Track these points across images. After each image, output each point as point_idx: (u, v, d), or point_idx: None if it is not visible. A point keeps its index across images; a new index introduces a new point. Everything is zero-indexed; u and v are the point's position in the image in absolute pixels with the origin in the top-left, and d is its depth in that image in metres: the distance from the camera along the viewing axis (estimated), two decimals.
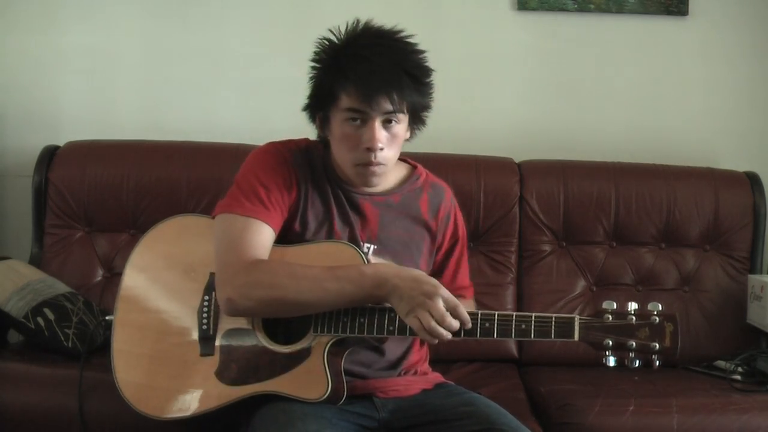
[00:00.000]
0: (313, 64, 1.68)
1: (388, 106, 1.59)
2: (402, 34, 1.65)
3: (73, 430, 1.87)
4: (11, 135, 2.74)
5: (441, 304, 1.51)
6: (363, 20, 1.65)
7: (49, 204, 2.49)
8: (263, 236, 1.64)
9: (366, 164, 1.64)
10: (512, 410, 1.68)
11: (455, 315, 1.52)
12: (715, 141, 2.78)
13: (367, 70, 1.57)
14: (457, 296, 1.80)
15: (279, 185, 1.68)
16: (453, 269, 1.84)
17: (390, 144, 1.64)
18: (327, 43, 1.66)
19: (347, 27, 1.65)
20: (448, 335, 1.52)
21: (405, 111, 1.62)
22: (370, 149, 1.61)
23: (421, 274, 1.57)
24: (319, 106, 1.67)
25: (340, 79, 1.59)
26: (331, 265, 1.59)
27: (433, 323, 1.50)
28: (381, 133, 1.61)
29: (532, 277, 2.50)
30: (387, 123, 1.62)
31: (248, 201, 1.65)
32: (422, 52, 1.65)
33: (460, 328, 1.54)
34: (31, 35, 2.73)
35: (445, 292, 1.53)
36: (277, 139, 1.78)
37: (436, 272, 1.82)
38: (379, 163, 1.64)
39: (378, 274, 1.56)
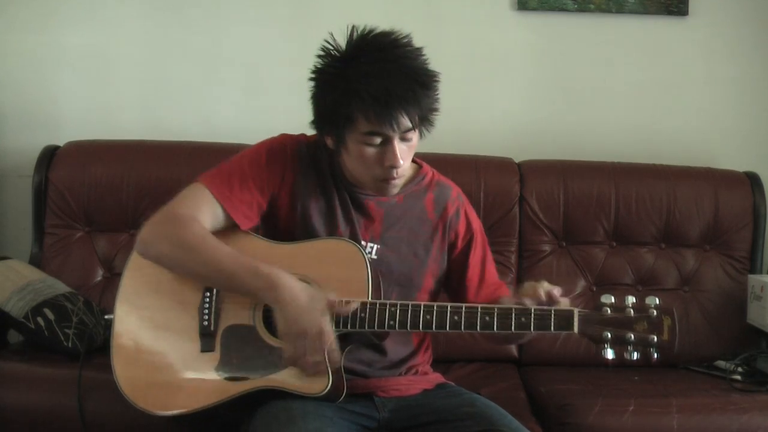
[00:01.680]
0: (315, 80, 1.64)
1: (408, 124, 1.58)
2: (402, 38, 1.62)
3: (73, 430, 1.87)
4: (11, 135, 2.74)
5: (319, 341, 1.53)
6: (358, 28, 1.61)
7: (49, 204, 2.49)
8: (213, 214, 1.66)
9: (388, 179, 1.64)
10: (512, 410, 1.68)
11: (329, 352, 1.54)
12: (715, 141, 2.78)
13: (383, 89, 1.54)
14: (498, 297, 1.76)
15: (258, 184, 1.69)
16: (479, 268, 1.81)
17: (408, 155, 1.65)
18: (328, 58, 1.62)
19: (346, 39, 1.61)
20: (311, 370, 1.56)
21: (419, 122, 1.62)
22: (393, 167, 1.61)
23: (317, 299, 1.56)
24: (332, 127, 1.63)
25: (356, 101, 1.56)
26: (252, 257, 1.61)
27: (308, 354, 1.54)
28: (401, 150, 1.61)
29: (532, 277, 2.49)
30: (405, 135, 1.61)
31: (221, 182, 1.68)
32: (423, 54, 1.63)
33: (448, 321, 1.56)
34: (31, 35, 2.74)
35: (328, 330, 1.54)
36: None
37: (459, 271, 1.80)
38: (400, 176, 1.66)
39: (272, 278, 1.57)
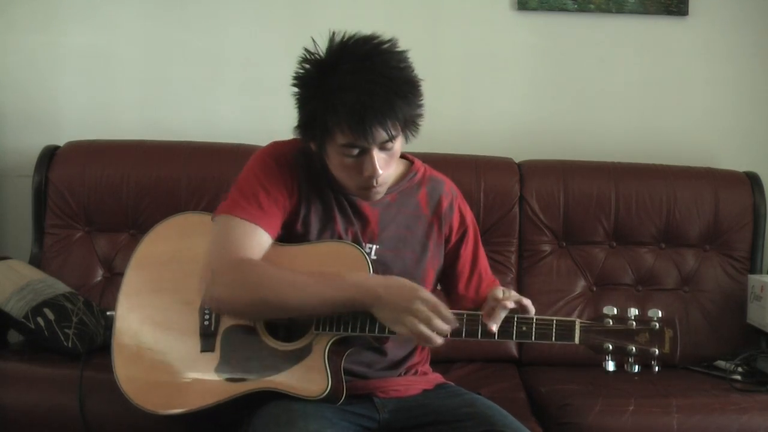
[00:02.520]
0: (296, 87, 1.62)
1: (384, 136, 1.56)
2: (383, 44, 1.58)
3: (74, 430, 1.87)
4: (11, 135, 2.74)
5: (423, 306, 1.51)
6: (339, 33, 1.59)
7: (49, 204, 2.49)
8: (257, 240, 1.64)
9: (368, 187, 1.64)
10: (512, 410, 1.68)
11: (437, 314, 1.52)
12: (715, 141, 2.78)
13: (359, 103, 1.51)
14: (486, 295, 1.75)
15: (279, 188, 1.67)
16: (470, 262, 1.81)
17: (389, 163, 1.63)
18: (307, 65, 1.60)
19: (327, 45, 1.59)
20: (438, 339, 1.52)
21: (400, 130, 1.60)
22: (372, 177, 1.60)
23: (402, 280, 1.57)
24: (312, 135, 1.62)
25: (331, 114, 1.54)
26: (320, 270, 1.60)
27: (421, 326, 1.51)
28: (380, 159, 1.59)
29: (532, 277, 2.50)
30: (384, 145, 1.60)
31: (247, 204, 1.65)
32: (408, 62, 1.60)
33: (462, 329, 1.55)
34: (31, 35, 2.74)
35: (424, 293, 1.53)
36: (277, 139, 1.78)
37: (451, 264, 1.80)
38: (381, 184, 1.65)
39: (360, 283, 1.56)
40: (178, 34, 2.76)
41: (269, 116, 2.67)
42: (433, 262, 1.78)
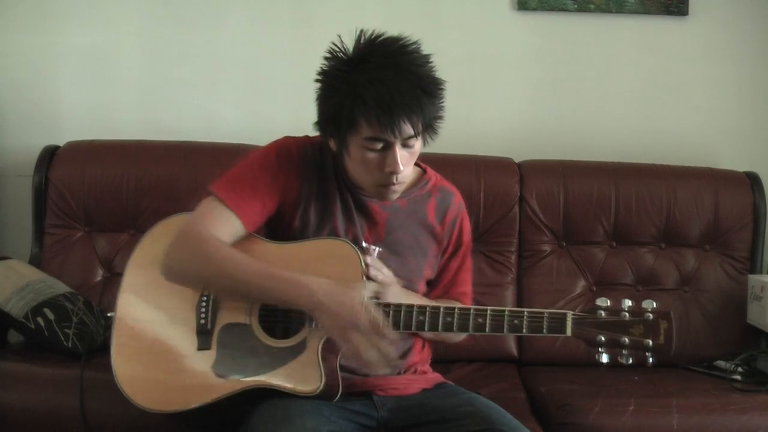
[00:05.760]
0: (321, 82, 1.63)
1: (410, 131, 1.58)
2: (410, 45, 1.61)
3: (74, 429, 1.88)
4: (11, 135, 2.74)
5: (367, 329, 1.52)
6: (367, 31, 1.61)
7: (49, 204, 2.49)
8: (228, 226, 1.65)
9: (387, 185, 1.64)
10: (512, 410, 1.68)
11: (381, 335, 1.53)
12: (715, 141, 2.78)
13: (387, 95, 1.53)
14: (455, 300, 1.82)
15: (271, 185, 1.68)
16: (453, 272, 1.84)
17: (409, 162, 1.65)
18: (334, 61, 1.62)
19: (354, 42, 1.60)
20: (383, 367, 1.53)
21: (423, 129, 1.61)
22: (393, 173, 1.61)
23: (347, 290, 1.56)
24: (335, 129, 1.63)
25: (359, 105, 1.55)
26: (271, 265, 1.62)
27: (369, 349, 1.51)
28: (402, 157, 1.61)
29: (532, 277, 2.50)
30: (407, 142, 1.61)
31: (233, 190, 1.67)
32: (431, 61, 1.62)
33: (441, 322, 1.57)
34: (31, 35, 2.74)
35: (372, 311, 1.53)
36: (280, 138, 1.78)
37: (436, 274, 1.82)
38: (400, 183, 1.66)
39: (303, 284, 1.56)
40: (177, 34, 2.76)
41: (269, 116, 2.68)
42: (429, 273, 1.80)
